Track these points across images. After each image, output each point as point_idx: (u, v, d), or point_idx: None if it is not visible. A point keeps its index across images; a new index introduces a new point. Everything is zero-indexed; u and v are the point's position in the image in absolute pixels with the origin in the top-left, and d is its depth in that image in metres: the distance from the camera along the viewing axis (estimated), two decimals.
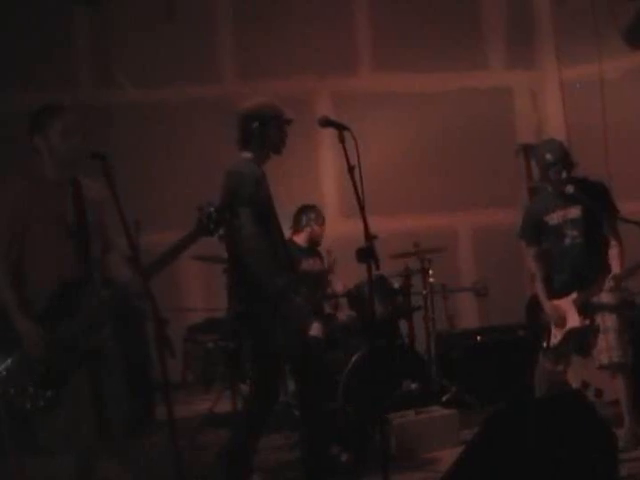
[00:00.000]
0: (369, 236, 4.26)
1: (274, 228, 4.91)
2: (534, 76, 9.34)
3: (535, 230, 5.76)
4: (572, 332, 5.59)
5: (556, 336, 5.62)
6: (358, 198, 4.25)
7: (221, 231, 4.26)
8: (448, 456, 4.70)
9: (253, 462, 4.95)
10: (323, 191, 8.82)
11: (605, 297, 5.53)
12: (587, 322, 5.52)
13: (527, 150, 8.79)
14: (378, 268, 4.30)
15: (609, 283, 5.48)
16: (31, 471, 4.06)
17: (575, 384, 5.69)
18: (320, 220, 6.99)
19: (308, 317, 4.92)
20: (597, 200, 5.55)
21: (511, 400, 5.28)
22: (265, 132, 4.92)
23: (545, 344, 5.65)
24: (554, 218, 5.64)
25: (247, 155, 4.96)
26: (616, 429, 4.95)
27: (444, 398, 6.49)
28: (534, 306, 5.82)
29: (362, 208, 4.25)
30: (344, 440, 5.51)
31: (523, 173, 8.77)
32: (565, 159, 5.55)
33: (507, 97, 9.25)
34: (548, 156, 5.54)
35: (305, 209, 7.00)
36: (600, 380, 5.63)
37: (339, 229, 8.09)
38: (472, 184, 8.84)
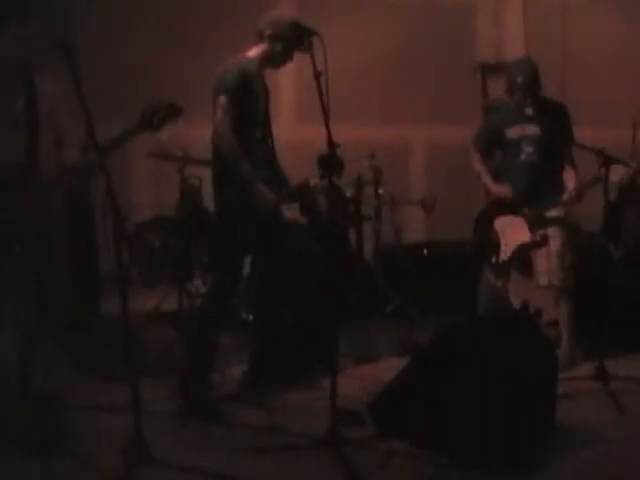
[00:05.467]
0: (332, 144, 4.25)
1: (259, 126, 4.90)
2: None
3: (490, 140, 5.83)
4: (522, 248, 5.68)
5: (506, 252, 5.72)
6: (323, 105, 4.22)
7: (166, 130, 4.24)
8: (390, 365, 4.80)
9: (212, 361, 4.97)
10: (279, 95, 8.71)
11: (555, 211, 5.62)
12: (538, 238, 5.61)
13: (485, 69, 8.78)
14: (340, 176, 4.30)
15: (567, 196, 5.54)
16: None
17: (515, 303, 5.81)
18: None
19: (274, 205, 4.90)
20: (556, 122, 5.62)
21: (456, 315, 5.41)
22: (285, 47, 4.88)
23: (494, 260, 5.75)
24: (513, 132, 5.70)
25: (252, 52, 4.93)
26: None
27: (388, 309, 6.58)
28: (482, 222, 5.90)
29: (326, 115, 4.22)
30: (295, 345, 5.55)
31: (480, 92, 8.77)
32: (534, 83, 5.59)
33: (470, 14, 9.17)
34: (519, 79, 5.56)
35: None
36: (540, 300, 5.75)
37: (293, 134, 8.05)
38: (429, 99, 8.82)
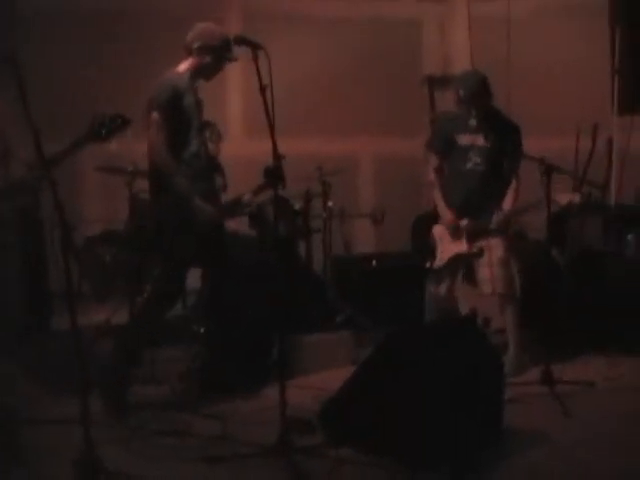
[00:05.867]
0: (277, 155, 4.30)
1: (194, 139, 4.96)
2: (444, 9, 9.41)
3: (444, 143, 5.88)
4: (458, 258, 5.77)
5: (442, 259, 5.80)
6: (268, 117, 4.26)
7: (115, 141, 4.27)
8: (341, 375, 4.83)
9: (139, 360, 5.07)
10: (228, 110, 8.76)
11: (493, 225, 5.69)
12: (474, 250, 5.70)
13: (431, 82, 8.89)
14: (284, 187, 4.36)
15: (497, 217, 5.66)
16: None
17: (464, 311, 5.90)
18: (215, 137, 6.93)
19: (213, 218, 4.98)
20: (507, 139, 5.71)
21: (404, 323, 5.47)
22: (214, 58, 5.02)
23: (429, 265, 5.83)
24: (463, 139, 5.77)
25: (182, 66, 5.02)
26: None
27: (338, 319, 6.62)
28: (420, 227, 5.97)
29: (272, 127, 4.27)
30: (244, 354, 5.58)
31: (427, 105, 8.87)
32: (481, 95, 5.68)
33: (416, 29, 9.30)
34: (461, 92, 5.67)
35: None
36: (487, 308, 5.84)
37: (242, 149, 8.10)
38: (377, 112, 8.90)
